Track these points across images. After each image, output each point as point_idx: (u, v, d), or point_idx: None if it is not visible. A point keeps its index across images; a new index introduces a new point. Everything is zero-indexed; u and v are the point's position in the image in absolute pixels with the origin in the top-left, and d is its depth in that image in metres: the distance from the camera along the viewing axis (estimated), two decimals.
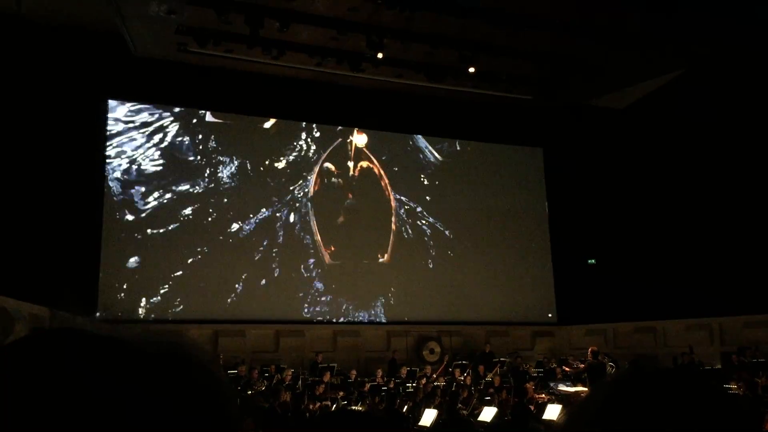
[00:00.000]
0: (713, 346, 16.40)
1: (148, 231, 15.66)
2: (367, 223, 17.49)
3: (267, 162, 16.96)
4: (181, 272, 15.75)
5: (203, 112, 16.57)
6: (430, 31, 14.42)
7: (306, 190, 17.13)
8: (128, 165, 15.80)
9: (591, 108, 18.62)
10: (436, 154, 18.70)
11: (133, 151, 15.89)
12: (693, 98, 16.30)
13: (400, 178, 18.22)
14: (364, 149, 17.81)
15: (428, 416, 11.39)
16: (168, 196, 15.98)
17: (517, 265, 18.91)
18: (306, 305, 16.68)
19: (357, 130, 17.84)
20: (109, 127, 15.74)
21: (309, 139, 17.46)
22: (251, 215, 16.60)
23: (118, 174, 15.66)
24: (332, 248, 17.13)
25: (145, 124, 16.10)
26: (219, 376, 0.63)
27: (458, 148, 19.14)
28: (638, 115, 18.14)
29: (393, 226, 17.85)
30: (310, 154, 17.40)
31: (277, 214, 16.84)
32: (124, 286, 15.23)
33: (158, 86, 15.69)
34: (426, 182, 18.56)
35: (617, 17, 13.93)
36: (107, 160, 15.58)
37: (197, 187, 16.27)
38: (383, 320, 17.38)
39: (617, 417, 0.69)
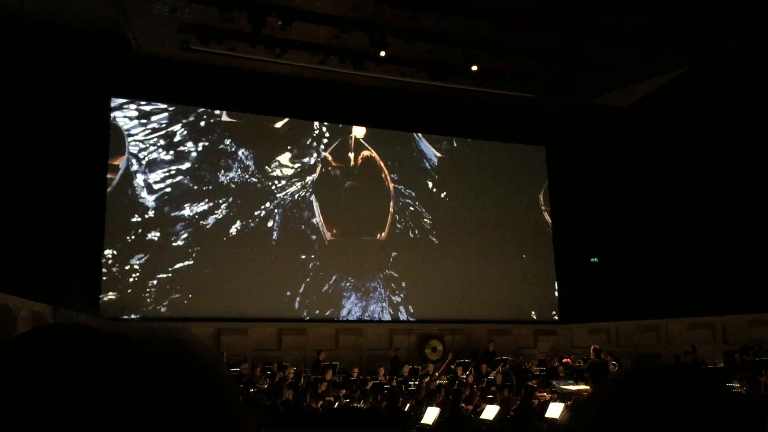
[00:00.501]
0: (716, 345, 16.37)
1: (151, 228, 15.68)
2: (366, 204, 17.51)
3: (269, 159, 16.95)
4: (183, 270, 15.77)
5: (207, 110, 16.56)
6: (433, 29, 14.41)
7: (308, 183, 17.11)
8: (132, 163, 15.81)
9: (594, 106, 18.61)
10: (438, 153, 18.66)
11: (136, 149, 15.91)
12: (696, 96, 16.29)
13: (402, 177, 18.21)
14: (362, 140, 17.77)
15: (430, 414, 11.39)
16: (171, 192, 15.99)
17: (519, 263, 18.91)
18: (307, 298, 16.69)
19: (356, 127, 17.84)
20: (112, 125, 15.76)
21: (312, 136, 17.43)
22: (254, 212, 16.61)
23: (121, 171, 15.67)
24: (334, 231, 17.13)
25: (148, 123, 16.12)
26: (223, 374, 0.62)
27: (459, 146, 19.11)
28: (641, 114, 18.13)
29: (391, 209, 17.83)
30: (312, 150, 17.38)
31: (279, 210, 16.83)
32: (127, 284, 15.25)
33: (161, 84, 15.71)
34: (428, 181, 18.55)
35: (621, 16, 13.90)
36: (110, 158, 15.61)
37: (200, 185, 16.28)
38: (386, 318, 17.40)
39: (620, 416, 0.69)
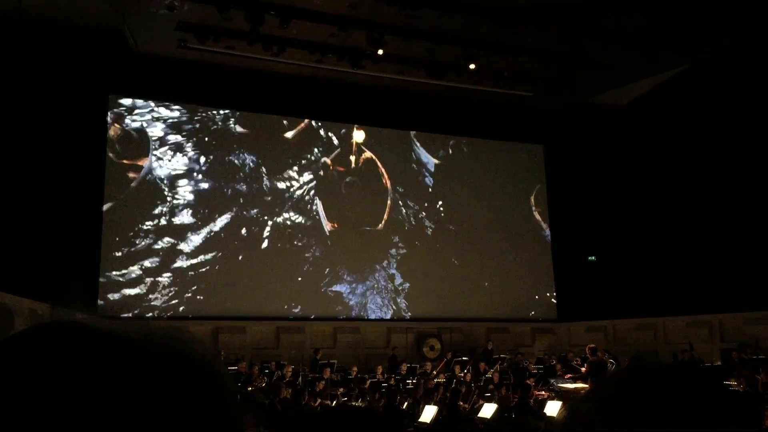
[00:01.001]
0: (713, 343, 16.40)
1: (149, 227, 15.66)
2: (365, 198, 17.56)
3: (276, 166, 16.94)
4: (182, 269, 15.75)
5: (220, 117, 16.55)
6: (431, 27, 14.40)
7: (311, 186, 17.10)
8: (131, 162, 15.79)
9: (592, 105, 18.61)
10: (436, 160, 18.62)
11: (135, 148, 15.90)
12: (694, 95, 16.30)
13: (400, 177, 18.18)
14: (363, 146, 17.77)
15: (428, 413, 11.40)
16: (170, 192, 15.97)
17: (517, 261, 18.92)
18: (306, 295, 16.70)
19: (356, 127, 17.80)
20: (111, 125, 15.75)
21: (319, 146, 17.40)
22: (250, 210, 16.60)
23: (120, 169, 15.66)
24: (335, 224, 17.15)
25: (148, 121, 16.10)
26: (221, 373, 0.62)
27: (457, 145, 19.10)
28: (640, 112, 18.13)
29: (389, 204, 17.82)
30: (317, 156, 17.35)
31: (280, 209, 16.83)
32: (126, 283, 15.23)
33: (159, 82, 15.68)
34: (426, 179, 18.54)
35: (619, 15, 13.91)
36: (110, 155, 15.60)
37: (200, 184, 16.27)
38: (384, 316, 17.40)
39: (617, 413, 0.69)
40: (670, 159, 17.20)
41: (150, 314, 15.21)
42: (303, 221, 16.96)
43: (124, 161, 15.75)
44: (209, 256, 16.03)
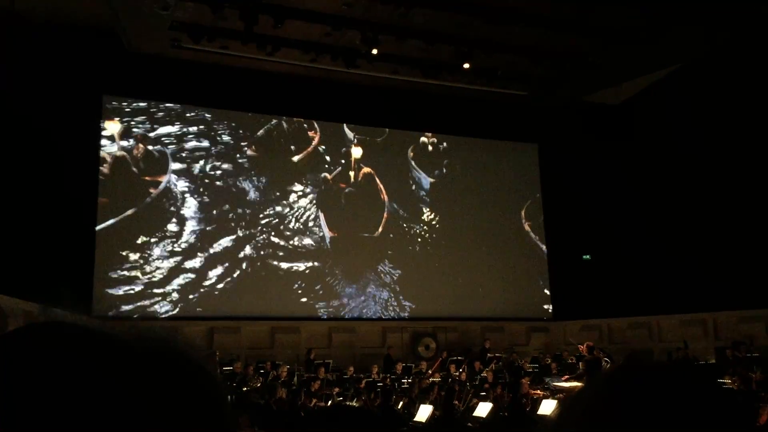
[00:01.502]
0: (708, 341, 16.45)
1: (144, 227, 15.63)
2: (363, 207, 17.60)
3: (281, 184, 16.99)
4: (176, 269, 15.72)
5: (235, 143, 16.67)
6: (425, 26, 14.41)
7: (314, 201, 17.15)
8: (124, 162, 15.76)
9: (586, 103, 18.64)
10: (431, 179, 18.63)
11: (128, 148, 15.86)
12: (688, 94, 16.34)
13: (396, 190, 18.19)
14: (361, 162, 17.84)
15: (423, 412, 11.41)
16: (165, 192, 15.95)
17: (512, 260, 18.93)
18: (302, 296, 16.70)
19: (354, 144, 17.81)
20: (105, 125, 15.72)
21: (324, 167, 17.45)
22: (246, 209, 16.59)
23: (113, 170, 15.62)
24: (335, 232, 17.19)
25: (143, 122, 16.08)
26: (210, 373, 0.62)
27: (454, 150, 19.12)
28: (634, 111, 18.17)
29: (386, 201, 17.85)
30: (321, 174, 17.42)
31: (278, 219, 16.84)
32: (120, 283, 15.19)
33: (153, 82, 15.65)
34: (421, 178, 18.54)
35: (613, 13, 13.93)
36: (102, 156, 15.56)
37: (194, 184, 16.25)
38: (380, 316, 17.40)
39: (611, 411, 0.69)
40: (663, 158, 17.24)
41: (145, 315, 15.16)
42: (304, 229, 16.98)
43: (146, 177, 15.81)
44: (206, 257, 16.00)
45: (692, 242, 16.25)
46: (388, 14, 13.82)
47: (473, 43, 15.05)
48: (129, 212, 15.54)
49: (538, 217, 19.58)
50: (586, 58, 15.89)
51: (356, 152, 17.68)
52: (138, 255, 15.45)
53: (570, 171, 18.76)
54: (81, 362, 0.55)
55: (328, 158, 17.53)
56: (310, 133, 17.49)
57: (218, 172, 16.49)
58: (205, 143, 16.52)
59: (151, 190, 15.83)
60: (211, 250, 16.06)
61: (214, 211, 16.26)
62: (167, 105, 16.34)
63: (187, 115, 16.55)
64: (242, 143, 16.86)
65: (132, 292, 15.28)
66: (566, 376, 14.28)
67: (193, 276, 15.82)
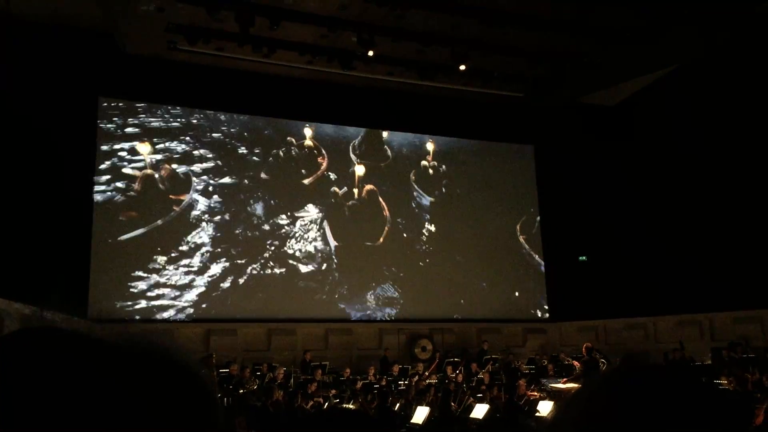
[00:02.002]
0: (704, 342, 16.47)
1: (140, 230, 15.60)
2: (366, 220, 17.67)
3: (289, 205, 17.06)
4: (173, 272, 15.71)
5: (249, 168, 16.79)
6: (421, 28, 14.42)
7: (320, 216, 17.24)
8: (120, 163, 15.74)
9: (582, 105, 18.68)
10: (431, 198, 18.68)
11: (125, 150, 15.84)
12: (685, 95, 16.38)
13: (396, 197, 18.24)
14: (364, 180, 17.95)
15: (420, 414, 11.41)
16: (163, 194, 15.93)
17: (508, 262, 18.95)
18: (299, 298, 16.71)
19: (358, 162, 17.88)
20: (101, 127, 15.69)
21: (330, 190, 17.54)
22: (256, 222, 16.65)
23: (110, 173, 15.60)
24: (339, 242, 17.25)
25: (140, 124, 16.07)
26: (201, 376, 0.62)
27: (452, 146, 19.15)
28: (630, 112, 18.20)
29: (388, 217, 17.88)
30: (328, 193, 17.52)
31: (283, 231, 16.88)
32: (116, 286, 15.16)
33: (149, 84, 15.63)
34: (422, 198, 18.57)
35: (609, 14, 13.96)
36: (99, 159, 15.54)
37: (193, 191, 16.26)
38: (375, 317, 17.40)
39: (605, 413, 0.69)
40: (660, 159, 17.28)
41: (141, 317, 15.13)
42: (309, 238, 17.05)
43: (171, 196, 15.94)
44: (203, 259, 15.99)
45: (689, 243, 16.28)
46: (383, 16, 13.83)
47: (469, 44, 15.06)
48: (154, 224, 15.66)
49: (533, 225, 19.59)
50: (582, 59, 15.92)
51: (359, 170, 17.87)
52: (157, 264, 15.46)
53: (566, 172, 18.79)
54: (71, 367, 0.55)
55: (333, 177, 17.67)
56: (319, 159, 17.64)
57: (229, 190, 16.62)
58: (218, 162, 16.67)
59: (175, 207, 15.99)
60: (218, 259, 16.08)
61: (226, 221, 16.38)
62: (175, 114, 16.34)
63: (193, 120, 16.55)
64: (255, 159, 17.00)
65: (127, 295, 15.24)
66: (564, 379, 14.30)
67: (188, 278, 15.80)
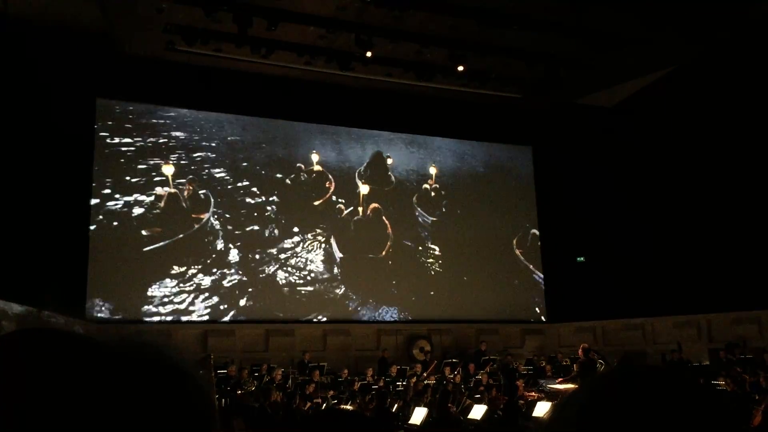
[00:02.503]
0: (701, 343, 16.49)
1: (138, 232, 15.59)
2: (368, 233, 17.82)
3: (293, 211, 17.18)
4: (171, 273, 15.70)
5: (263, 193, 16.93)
6: (419, 29, 14.43)
7: (327, 232, 17.34)
8: (118, 166, 15.74)
9: (580, 106, 18.68)
10: (432, 217, 18.73)
11: (122, 152, 15.83)
12: (682, 96, 16.39)
13: (399, 217, 18.30)
14: (368, 198, 18.05)
15: (418, 415, 11.40)
16: (161, 197, 15.92)
17: (506, 262, 18.96)
18: (295, 298, 16.71)
19: (362, 182, 17.98)
20: (99, 128, 15.69)
21: (338, 214, 17.66)
22: (265, 238, 16.72)
23: (107, 174, 15.59)
24: (344, 255, 17.38)
25: (139, 125, 16.06)
26: (196, 378, 0.62)
27: (447, 149, 19.17)
28: (627, 113, 18.22)
29: (390, 234, 17.96)
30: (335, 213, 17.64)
31: (289, 244, 16.95)
32: (114, 287, 15.13)
33: (147, 85, 15.61)
34: (419, 201, 18.59)
35: (606, 15, 13.97)
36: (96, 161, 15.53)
37: (191, 196, 16.28)
38: (373, 317, 17.40)
39: (602, 413, 0.69)
40: (657, 160, 17.28)
41: (139, 318, 15.12)
42: (316, 251, 17.17)
43: (192, 215, 16.11)
44: (201, 260, 15.99)
45: (686, 244, 16.28)
46: (382, 17, 13.83)
47: (467, 45, 15.07)
48: (175, 238, 15.79)
49: (532, 218, 19.60)
50: (580, 61, 15.94)
51: (364, 189, 18.05)
52: (132, 258, 15.46)
53: (564, 173, 18.80)
54: (67, 368, 0.55)
55: (342, 201, 17.80)
56: (327, 184, 17.73)
57: (244, 208, 16.80)
58: (230, 178, 16.83)
59: (195, 225, 16.15)
60: (201, 257, 16.11)
61: (237, 235, 16.53)
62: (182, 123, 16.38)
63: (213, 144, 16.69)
64: (270, 183, 17.20)
65: (125, 296, 15.24)
66: (560, 379, 14.31)
67: (185, 279, 15.80)
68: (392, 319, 17.60)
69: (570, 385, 12.96)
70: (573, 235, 18.57)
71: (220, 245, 16.33)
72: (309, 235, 17.17)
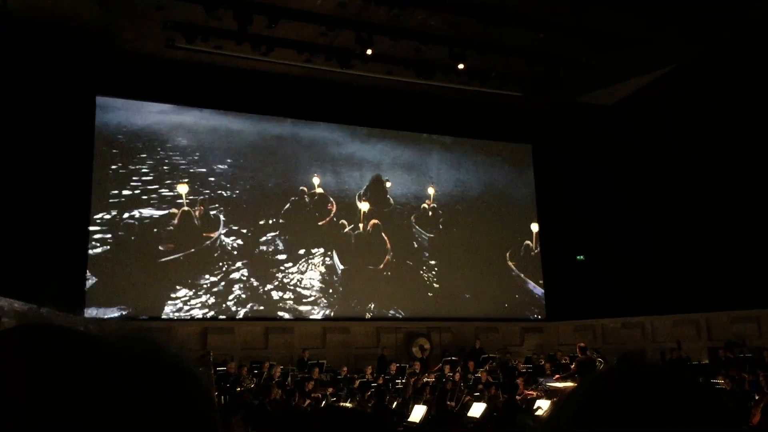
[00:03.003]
0: (701, 342, 16.49)
1: (138, 229, 15.59)
2: (368, 247, 17.91)
3: (297, 230, 17.23)
4: (170, 270, 15.71)
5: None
6: (420, 27, 14.42)
7: (326, 241, 17.49)
8: (116, 163, 15.73)
9: (580, 104, 18.67)
10: (430, 234, 18.77)
11: (121, 150, 15.83)
12: (682, 94, 16.38)
13: (397, 235, 18.30)
14: (367, 215, 18.11)
15: (417, 412, 11.41)
16: (161, 196, 15.92)
17: (505, 261, 18.97)
18: (295, 296, 16.74)
19: (363, 199, 18.08)
20: (99, 126, 15.68)
21: (337, 228, 17.76)
22: (260, 246, 16.72)
23: (106, 171, 15.58)
24: (345, 266, 17.44)
25: (139, 124, 16.05)
26: (196, 376, 0.62)
27: (446, 149, 19.17)
28: (627, 112, 18.21)
29: (389, 249, 18.03)
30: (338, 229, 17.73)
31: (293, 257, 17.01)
32: (113, 284, 15.13)
33: (147, 82, 15.60)
34: (417, 221, 18.60)
35: (606, 14, 13.96)
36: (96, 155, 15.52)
37: (191, 195, 16.29)
38: (373, 316, 17.41)
39: (600, 412, 0.69)
40: (657, 158, 17.28)
41: (138, 315, 15.13)
42: (318, 264, 17.25)
43: (204, 234, 16.21)
44: (198, 258, 15.99)
45: (685, 243, 16.28)
46: (382, 15, 13.82)
47: (467, 44, 15.06)
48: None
49: (531, 217, 19.60)
50: (580, 59, 15.93)
51: (364, 206, 18.11)
52: (130, 255, 15.48)
53: (564, 171, 18.80)
54: (66, 364, 0.55)
55: (343, 221, 17.87)
56: (329, 206, 17.77)
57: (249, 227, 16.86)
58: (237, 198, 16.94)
59: (207, 243, 16.24)
60: (203, 252, 16.13)
61: (243, 248, 16.59)
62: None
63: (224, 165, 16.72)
64: (275, 205, 17.28)
65: (124, 293, 15.23)
66: (557, 376, 14.32)
67: (184, 276, 15.81)
68: (392, 317, 17.61)
69: (569, 384, 12.98)
70: (573, 233, 18.57)
71: (224, 254, 16.44)
72: (312, 251, 17.27)
